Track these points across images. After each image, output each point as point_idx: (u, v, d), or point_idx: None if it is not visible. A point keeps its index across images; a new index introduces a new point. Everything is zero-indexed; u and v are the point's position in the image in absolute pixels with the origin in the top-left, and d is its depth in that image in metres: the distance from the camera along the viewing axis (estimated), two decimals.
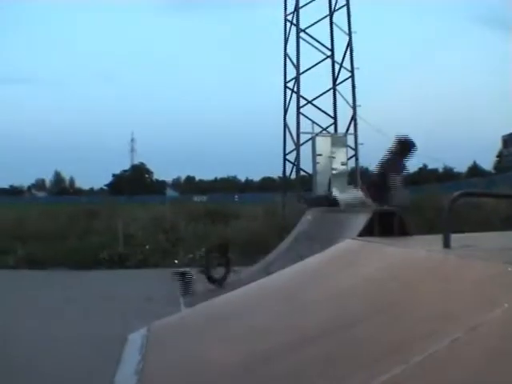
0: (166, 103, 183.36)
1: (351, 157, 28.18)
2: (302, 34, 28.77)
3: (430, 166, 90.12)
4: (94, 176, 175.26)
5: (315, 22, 29.28)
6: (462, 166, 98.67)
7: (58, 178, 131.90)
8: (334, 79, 29.68)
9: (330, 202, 13.70)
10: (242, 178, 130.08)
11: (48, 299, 14.49)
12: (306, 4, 29.07)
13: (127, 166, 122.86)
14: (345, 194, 13.78)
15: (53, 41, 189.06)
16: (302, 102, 28.41)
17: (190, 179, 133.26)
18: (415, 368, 2.40)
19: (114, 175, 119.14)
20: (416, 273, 3.73)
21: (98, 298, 14.72)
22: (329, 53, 29.54)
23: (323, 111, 29.06)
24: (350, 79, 29.11)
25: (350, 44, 29.12)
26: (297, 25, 29.05)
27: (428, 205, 20.66)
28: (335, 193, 16.47)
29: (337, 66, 29.56)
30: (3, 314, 12.42)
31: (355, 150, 28.51)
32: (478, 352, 2.38)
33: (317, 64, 29.17)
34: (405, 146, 11.35)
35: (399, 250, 4.56)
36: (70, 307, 13.47)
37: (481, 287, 3.01)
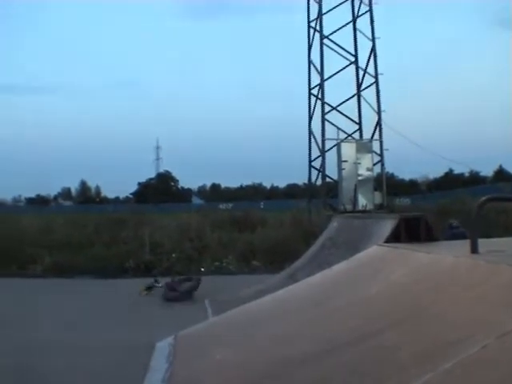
0: (192, 110, 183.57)
1: (377, 162, 28.08)
2: (325, 41, 28.75)
3: (456, 171, 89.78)
4: (119, 184, 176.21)
5: (338, 28, 29.26)
6: (488, 171, 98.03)
7: (83, 186, 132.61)
8: (359, 85, 29.61)
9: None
10: (267, 184, 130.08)
11: (74, 308, 14.57)
12: (329, 10, 29.05)
13: (153, 175, 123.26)
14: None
15: (78, 50, 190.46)
16: (327, 108, 28.37)
17: (215, 187, 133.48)
18: (444, 375, 2.39)
19: (139, 183, 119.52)
20: (444, 278, 3.71)
21: (124, 306, 14.78)
22: (352, 59, 29.48)
23: (348, 117, 29.01)
24: (374, 85, 29.04)
25: (373, 49, 29.05)
26: (320, 31, 29.04)
27: (455, 209, 20.53)
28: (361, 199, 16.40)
29: (361, 72, 29.51)
30: (31, 322, 12.52)
31: (381, 155, 28.41)
32: (508, 358, 2.36)
33: (341, 70, 29.13)
34: None
35: (426, 255, 4.53)
36: (95, 315, 13.53)
37: (509, 292, 2.99)
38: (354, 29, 29.78)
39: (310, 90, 30.54)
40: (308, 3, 30.44)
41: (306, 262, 13.52)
